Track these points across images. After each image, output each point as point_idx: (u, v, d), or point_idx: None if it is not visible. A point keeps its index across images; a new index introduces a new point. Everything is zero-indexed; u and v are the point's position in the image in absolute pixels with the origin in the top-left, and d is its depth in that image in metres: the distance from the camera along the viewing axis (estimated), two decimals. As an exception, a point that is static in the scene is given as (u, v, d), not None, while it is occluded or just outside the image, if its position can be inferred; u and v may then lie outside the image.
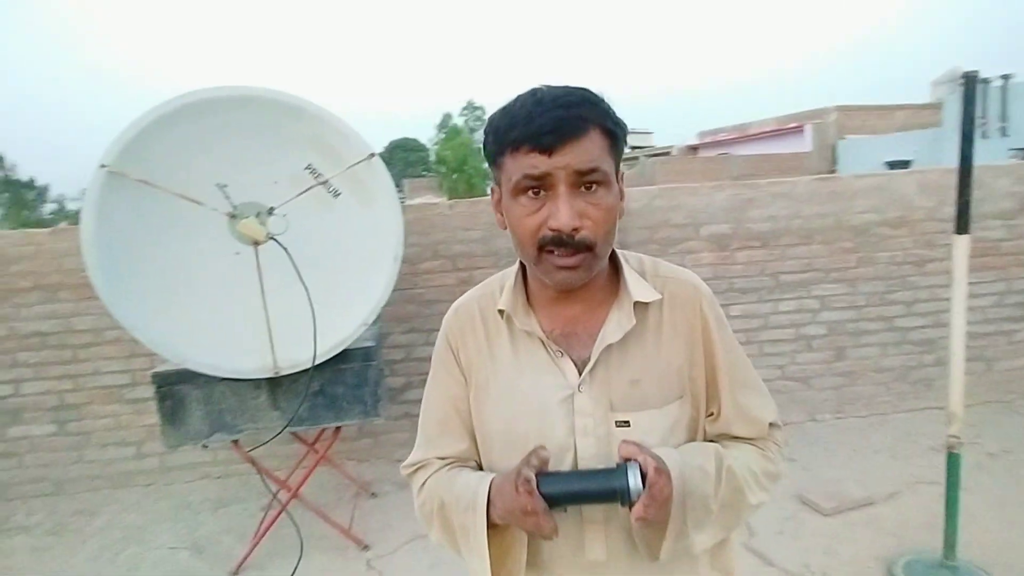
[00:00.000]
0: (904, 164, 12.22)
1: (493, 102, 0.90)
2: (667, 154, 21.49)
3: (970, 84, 1.83)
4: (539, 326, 0.91)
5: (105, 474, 3.40)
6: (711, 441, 0.96)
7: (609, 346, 0.88)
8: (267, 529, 2.61)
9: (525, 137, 0.77)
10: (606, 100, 0.83)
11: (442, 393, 0.98)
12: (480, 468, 0.98)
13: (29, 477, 3.34)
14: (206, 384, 2.38)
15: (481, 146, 0.88)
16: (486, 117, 0.96)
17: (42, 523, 3.09)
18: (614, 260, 0.94)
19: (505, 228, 0.87)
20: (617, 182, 0.85)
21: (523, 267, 0.93)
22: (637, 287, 0.90)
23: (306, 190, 2.28)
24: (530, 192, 0.80)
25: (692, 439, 0.94)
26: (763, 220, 3.55)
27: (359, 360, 2.50)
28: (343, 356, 2.45)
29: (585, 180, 0.79)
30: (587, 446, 0.88)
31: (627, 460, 0.79)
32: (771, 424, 0.96)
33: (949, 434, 2.06)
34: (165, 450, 2.78)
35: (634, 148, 25.53)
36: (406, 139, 49.42)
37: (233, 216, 2.20)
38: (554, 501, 0.78)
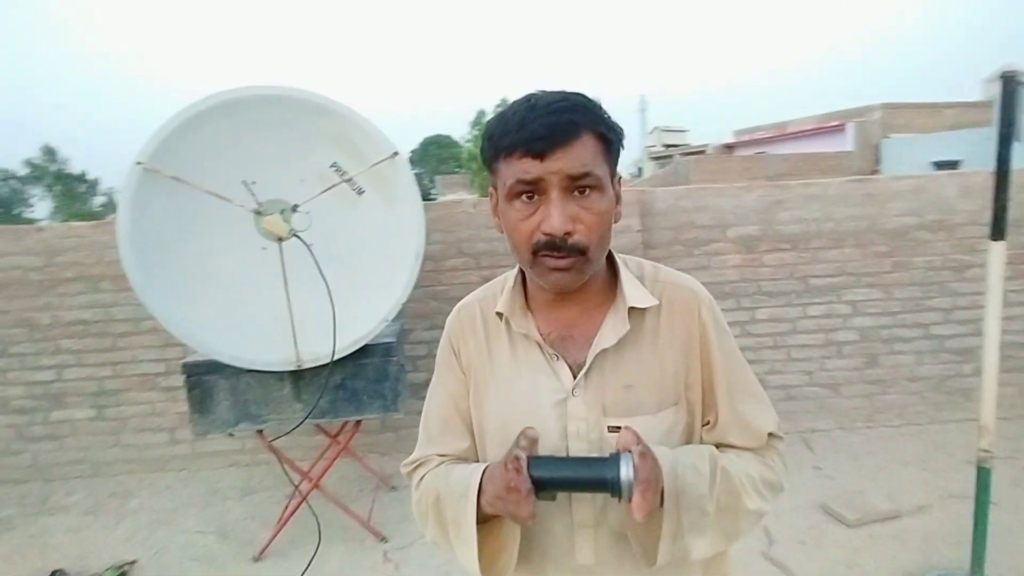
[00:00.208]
0: (953, 165, 11.74)
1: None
2: (702, 153, 21.12)
3: (1009, 84, 1.75)
4: (536, 329, 0.91)
5: (140, 458, 3.54)
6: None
7: (604, 351, 0.88)
8: (289, 517, 2.68)
9: (518, 142, 0.78)
10: (600, 106, 0.83)
11: (444, 392, 0.99)
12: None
13: (69, 459, 3.50)
14: (232, 375, 2.45)
15: (479, 151, 0.88)
16: None
17: (79, 503, 3.24)
18: (613, 264, 0.93)
19: (503, 232, 0.87)
20: (612, 187, 0.84)
21: (523, 270, 0.94)
22: (633, 292, 0.89)
23: (329, 188, 2.33)
24: (524, 196, 0.80)
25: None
26: (793, 222, 3.47)
27: (380, 355, 2.55)
28: (364, 351, 2.50)
29: (578, 184, 0.79)
30: (579, 450, 0.88)
31: (623, 449, 0.78)
32: (771, 435, 0.94)
33: (980, 448, 1.98)
34: (195, 437, 2.88)
35: (668, 147, 25.18)
36: (439, 136, 49.83)
37: (258, 212, 2.27)
38: (543, 485, 0.77)
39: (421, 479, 0.97)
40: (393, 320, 2.56)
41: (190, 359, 2.51)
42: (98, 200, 44.69)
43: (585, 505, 0.89)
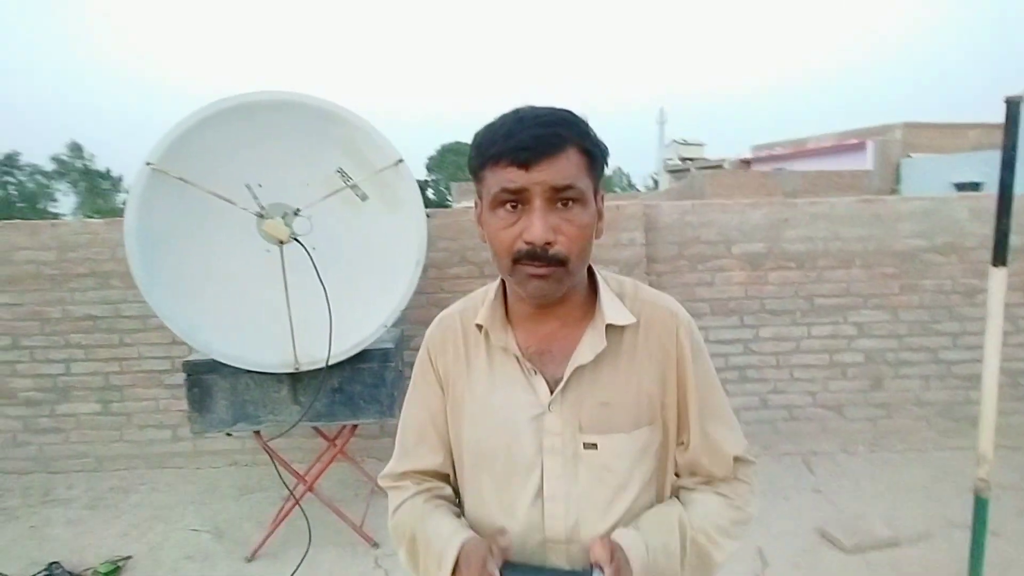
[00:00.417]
0: (975, 186, 11.56)
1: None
2: (719, 167, 21.03)
3: (1013, 108, 1.74)
4: (515, 342, 0.91)
5: (142, 454, 3.59)
6: (679, 475, 0.96)
7: (582, 367, 0.88)
8: (282, 519, 2.70)
9: (504, 152, 0.79)
10: (587, 122, 0.85)
11: (420, 405, 1.00)
12: (454, 482, 1.00)
13: (73, 452, 3.56)
14: (231, 375, 2.48)
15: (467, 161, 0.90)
16: None
17: (80, 497, 3.29)
18: (594, 281, 0.94)
19: (485, 241, 0.88)
20: (595, 202, 0.85)
21: (504, 283, 0.95)
22: (612, 310, 0.90)
23: (332, 193, 2.36)
24: (508, 205, 0.82)
25: (661, 466, 0.94)
26: (799, 240, 3.44)
27: (377, 361, 2.56)
28: (362, 356, 2.52)
29: (561, 196, 0.80)
30: (554, 465, 0.88)
31: (596, 565, 0.80)
32: (738, 458, 0.95)
33: (978, 477, 1.94)
34: (194, 436, 2.91)
35: (685, 160, 25.11)
36: (457, 143, 50.13)
37: (261, 216, 2.30)
38: None
39: (398, 507, 0.97)
40: (393, 326, 2.58)
41: (191, 358, 2.54)
42: (120, 197, 45.55)
43: None
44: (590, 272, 0.93)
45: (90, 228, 3.49)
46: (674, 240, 3.46)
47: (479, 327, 0.94)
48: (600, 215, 0.88)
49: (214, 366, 2.46)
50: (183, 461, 3.59)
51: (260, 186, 2.40)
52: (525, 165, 0.78)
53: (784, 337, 3.50)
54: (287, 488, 2.71)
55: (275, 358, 2.45)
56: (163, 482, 3.43)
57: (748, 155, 22.28)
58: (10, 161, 43.75)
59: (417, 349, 1.03)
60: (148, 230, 2.30)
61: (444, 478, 1.01)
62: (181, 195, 2.32)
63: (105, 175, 46.27)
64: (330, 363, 2.39)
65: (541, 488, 0.89)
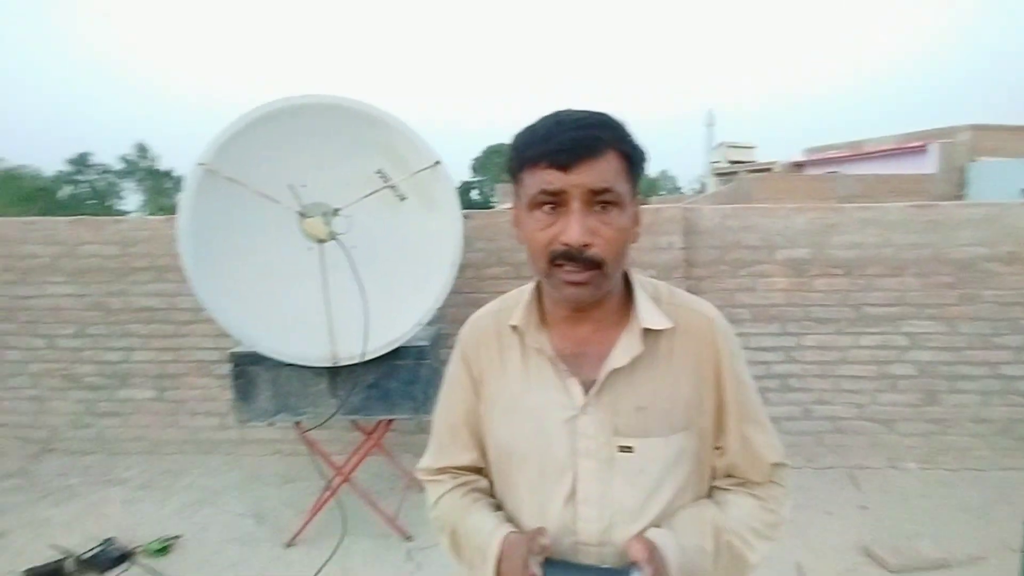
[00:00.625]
0: (1047, 192, 10.87)
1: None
2: (768, 170, 20.41)
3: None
4: (550, 344, 0.91)
5: (193, 439, 3.76)
6: (716, 479, 0.96)
7: (616, 370, 0.87)
8: (319, 508, 2.79)
9: (543, 154, 0.80)
10: (625, 126, 0.85)
11: (453, 404, 1.01)
12: (488, 478, 1.01)
13: (131, 436, 3.77)
14: (274, 367, 2.58)
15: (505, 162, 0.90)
16: None
17: (136, 478, 3.48)
18: (629, 284, 0.93)
19: (522, 242, 0.89)
20: (632, 205, 0.85)
21: (539, 285, 0.95)
22: (648, 313, 0.89)
23: (371, 193, 2.43)
24: (545, 207, 0.82)
25: (697, 471, 0.93)
26: (847, 247, 3.32)
27: (413, 358, 2.61)
28: (398, 353, 2.57)
29: (599, 199, 0.81)
30: (588, 469, 0.88)
31: (634, 563, 0.81)
32: (776, 464, 0.94)
33: (1034, 499, 1.83)
34: (238, 424, 3.04)
35: (734, 163, 24.46)
36: (501, 144, 50.37)
37: (302, 214, 2.38)
38: None
39: (438, 500, 0.99)
40: (429, 324, 2.62)
41: (237, 349, 2.65)
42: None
43: None
44: (626, 276, 0.93)
45: (149, 225, 3.69)
46: (715, 244, 3.40)
47: (514, 328, 0.94)
48: (637, 220, 0.87)
49: (258, 358, 2.56)
50: (230, 448, 3.75)
51: (304, 186, 2.49)
52: (564, 167, 0.79)
53: (830, 346, 3.38)
54: (324, 478, 2.80)
55: (314, 352, 2.53)
56: (211, 467, 3.59)
57: (801, 158, 21.55)
58: (81, 161, 46.58)
59: (453, 347, 1.05)
60: (199, 227, 2.42)
61: (479, 471, 1.01)
62: (229, 194, 2.43)
63: (168, 174, 48.64)
64: (366, 359, 2.45)
65: (574, 490, 0.88)
